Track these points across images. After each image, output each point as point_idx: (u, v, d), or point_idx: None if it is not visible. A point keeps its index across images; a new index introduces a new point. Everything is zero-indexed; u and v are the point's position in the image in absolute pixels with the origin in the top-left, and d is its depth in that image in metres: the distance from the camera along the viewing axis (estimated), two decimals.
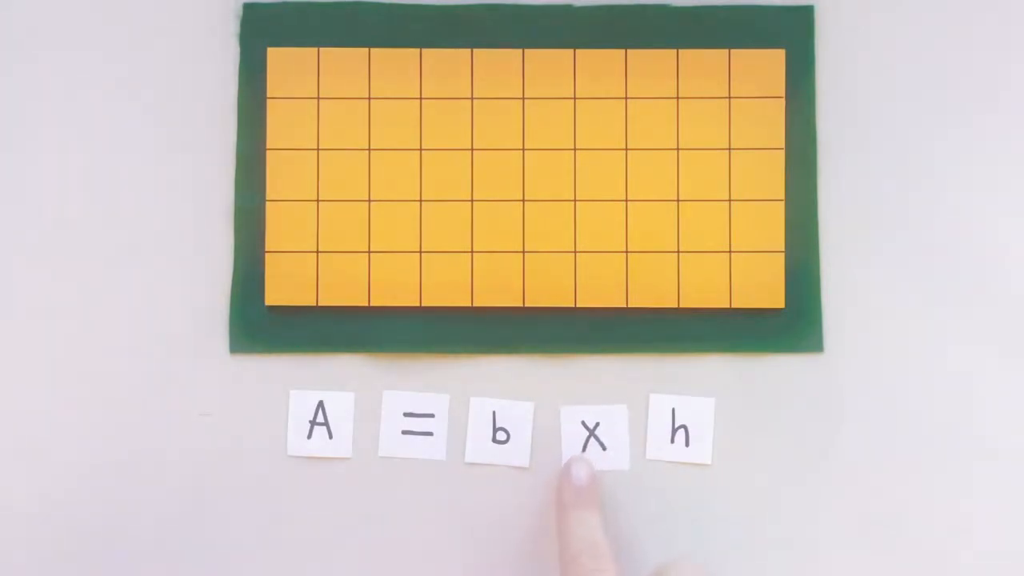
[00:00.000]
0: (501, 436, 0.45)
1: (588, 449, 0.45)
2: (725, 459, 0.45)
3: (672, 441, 0.45)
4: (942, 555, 0.45)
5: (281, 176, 0.45)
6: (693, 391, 0.45)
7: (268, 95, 0.45)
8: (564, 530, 0.41)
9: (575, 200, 0.45)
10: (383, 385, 0.45)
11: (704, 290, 0.45)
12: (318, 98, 0.45)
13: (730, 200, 0.45)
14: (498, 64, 0.45)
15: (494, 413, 0.45)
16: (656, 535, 0.45)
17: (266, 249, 0.45)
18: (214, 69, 0.46)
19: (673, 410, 0.45)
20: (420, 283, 0.45)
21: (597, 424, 0.45)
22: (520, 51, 0.45)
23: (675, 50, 0.45)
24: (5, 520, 0.45)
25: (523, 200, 0.45)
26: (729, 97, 0.45)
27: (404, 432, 0.45)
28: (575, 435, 0.45)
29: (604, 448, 0.45)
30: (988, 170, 0.45)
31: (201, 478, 0.45)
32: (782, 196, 0.45)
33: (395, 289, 0.45)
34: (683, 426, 0.45)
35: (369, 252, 0.45)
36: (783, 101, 0.45)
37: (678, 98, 0.45)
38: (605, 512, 0.44)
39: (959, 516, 0.45)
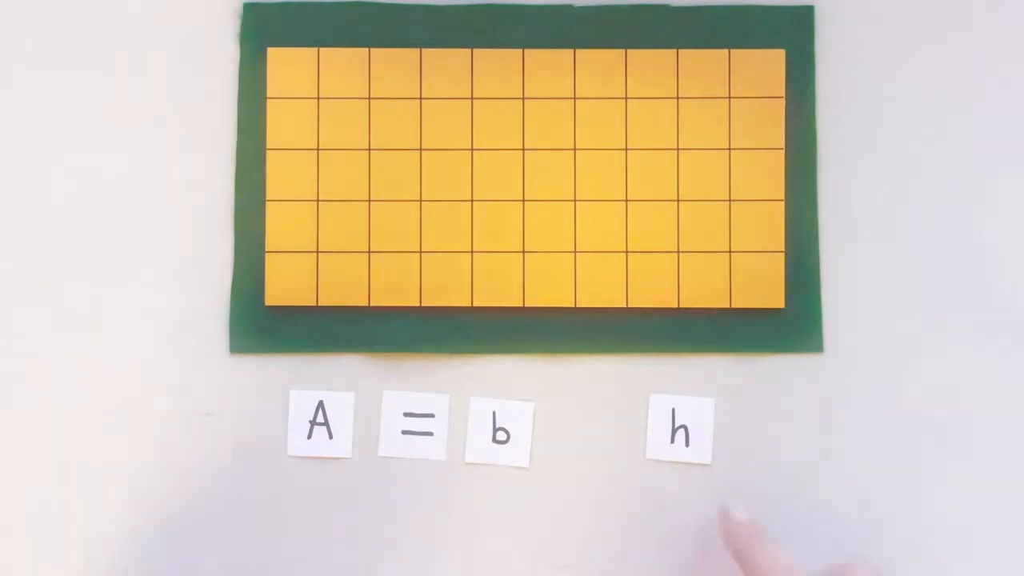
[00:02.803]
0: (501, 436, 0.45)
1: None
2: (725, 459, 0.45)
3: (672, 441, 0.45)
4: (942, 554, 0.45)
5: (281, 176, 0.45)
6: (693, 391, 0.45)
7: (268, 95, 0.45)
8: (751, 562, 0.40)
9: (575, 200, 0.45)
10: (383, 385, 0.45)
11: (704, 290, 0.45)
12: (318, 98, 0.45)
13: (730, 200, 0.45)
14: (498, 64, 0.45)
15: (494, 413, 0.45)
16: (656, 535, 0.45)
17: (266, 249, 0.45)
18: (214, 69, 0.46)
19: (673, 410, 0.45)
20: (420, 283, 0.45)
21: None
22: (520, 51, 0.45)
23: (675, 50, 0.45)
24: (6, 521, 0.45)
25: (523, 200, 0.45)
26: (729, 97, 0.45)
27: (404, 432, 0.45)
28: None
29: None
30: (988, 170, 0.45)
31: (201, 478, 0.45)
32: (782, 196, 0.45)
33: (395, 289, 0.45)
34: (683, 426, 0.45)
35: (369, 252, 0.45)
36: (783, 101, 0.45)
37: (678, 98, 0.45)
38: (601, 513, 0.44)
39: (959, 516, 0.45)
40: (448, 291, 0.45)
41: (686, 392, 0.45)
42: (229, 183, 0.46)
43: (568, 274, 0.45)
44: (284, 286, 0.45)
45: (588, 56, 0.45)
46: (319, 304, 0.45)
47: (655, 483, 0.45)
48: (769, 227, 0.45)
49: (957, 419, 0.45)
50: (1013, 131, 0.45)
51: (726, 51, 0.45)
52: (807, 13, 0.46)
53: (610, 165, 0.45)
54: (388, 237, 0.45)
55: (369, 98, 0.45)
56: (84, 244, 0.45)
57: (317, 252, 0.45)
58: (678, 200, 0.45)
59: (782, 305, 0.45)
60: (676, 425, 0.45)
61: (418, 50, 0.45)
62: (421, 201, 0.45)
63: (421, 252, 0.45)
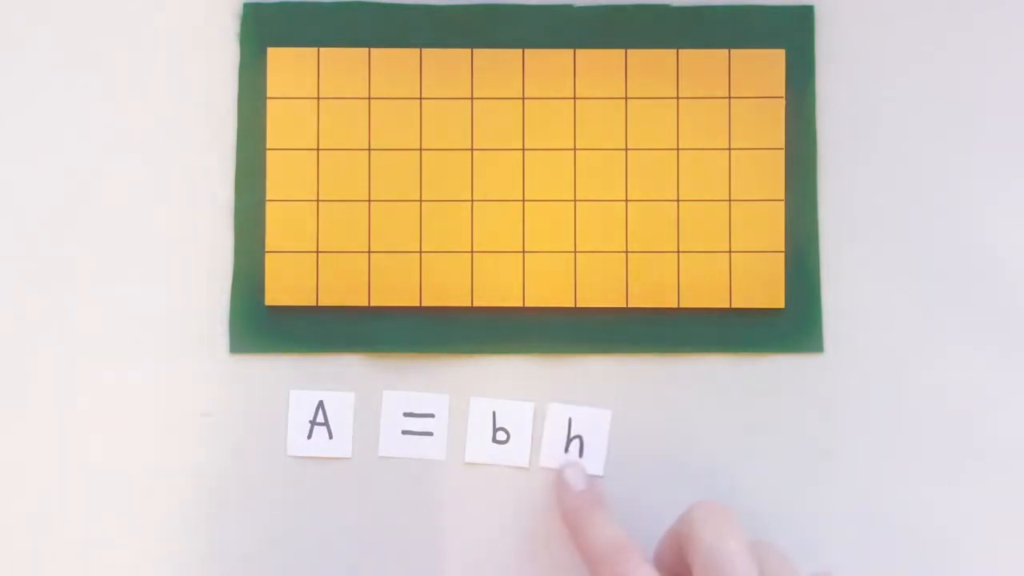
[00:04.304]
0: (501, 436, 0.45)
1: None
2: (724, 458, 0.45)
3: None
4: (942, 555, 0.45)
5: (281, 176, 0.45)
6: (693, 391, 0.45)
7: (268, 95, 0.45)
8: (580, 535, 0.41)
9: (575, 200, 0.45)
10: (383, 385, 0.45)
11: (704, 290, 0.45)
12: (318, 98, 0.45)
13: (730, 200, 0.45)
14: (498, 64, 0.45)
15: (494, 413, 0.45)
16: (655, 535, 0.45)
17: (266, 249, 0.45)
18: (214, 69, 0.46)
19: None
20: (420, 283, 0.45)
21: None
22: (520, 51, 0.45)
23: (675, 50, 0.45)
24: (4, 521, 0.45)
25: (523, 200, 0.45)
26: (729, 97, 0.45)
27: (404, 432, 0.45)
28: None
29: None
30: (989, 170, 0.45)
31: (201, 478, 0.45)
32: (782, 196, 0.45)
33: (395, 289, 0.45)
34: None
35: (369, 252, 0.45)
36: (783, 101, 0.45)
37: (678, 98, 0.45)
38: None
39: (959, 516, 0.45)
40: (448, 291, 0.45)
41: (686, 392, 0.45)
42: (229, 183, 0.46)
43: (568, 274, 0.45)
44: (284, 286, 0.45)
45: (588, 56, 0.45)
46: (319, 304, 0.45)
47: (657, 482, 0.45)
48: (769, 227, 0.45)
49: (957, 419, 0.45)
50: (1013, 131, 0.45)
51: (726, 51, 0.45)
52: (807, 13, 0.46)
53: (610, 165, 0.45)
54: (388, 237, 0.45)
55: (369, 98, 0.45)
56: (83, 244, 0.45)
57: (317, 252, 0.45)
58: (678, 200, 0.45)
59: (782, 305, 0.45)
60: None
61: (418, 50, 0.45)
62: (421, 201, 0.45)
63: (421, 252, 0.45)
